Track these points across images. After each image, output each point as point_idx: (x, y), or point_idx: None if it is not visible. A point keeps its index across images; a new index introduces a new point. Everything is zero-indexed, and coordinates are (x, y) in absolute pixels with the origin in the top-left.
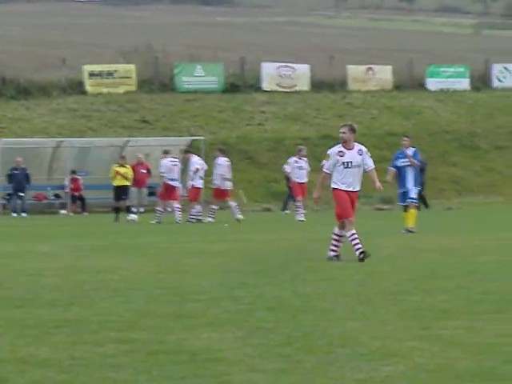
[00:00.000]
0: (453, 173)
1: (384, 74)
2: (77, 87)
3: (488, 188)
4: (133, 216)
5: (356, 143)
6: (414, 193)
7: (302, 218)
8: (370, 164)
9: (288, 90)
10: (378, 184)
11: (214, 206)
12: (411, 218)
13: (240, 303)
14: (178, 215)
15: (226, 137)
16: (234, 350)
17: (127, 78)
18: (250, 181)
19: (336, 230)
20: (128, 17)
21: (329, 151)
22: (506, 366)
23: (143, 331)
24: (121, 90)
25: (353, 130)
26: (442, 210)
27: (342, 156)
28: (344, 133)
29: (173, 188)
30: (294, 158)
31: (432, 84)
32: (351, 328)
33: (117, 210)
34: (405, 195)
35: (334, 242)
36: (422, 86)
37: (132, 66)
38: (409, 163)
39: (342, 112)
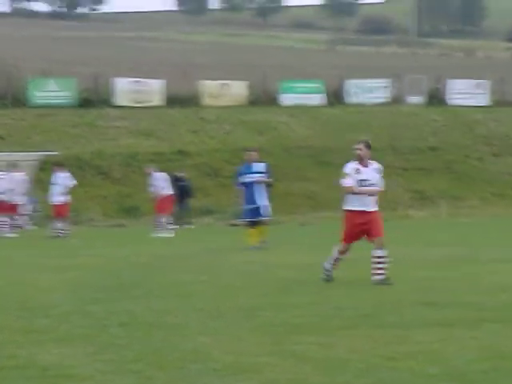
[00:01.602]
0: (307, 188)
1: (238, 90)
2: None
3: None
4: None
5: (371, 161)
6: (268, 209)
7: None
8: (381, 185)
9: (141, 105)
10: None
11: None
12: (264, 233)
13: (92, 319)
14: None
15: (79, 152)
16: (85, 365)
17: None
18: (104, 196)
19: (335, 253)
20: None
21: (345, 169)
22: (358, 381)
23: None
24: None
25: (369, 147)
26: (295, 225)
27: (358, 173)
28: (360, 149)
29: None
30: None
31: (286, 99)
32: (203, 343)
33: None
34: (255, 211)
35: (332, 262)
36: (276, 101)
37: None
38: (256, 179)
39: (196, 127)
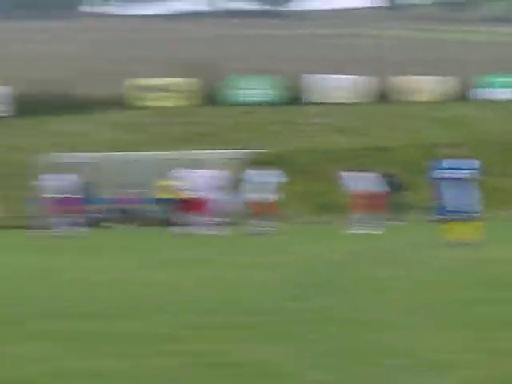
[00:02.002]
0: (508, 184)
1: (432, 85)
2: (132, 101)
3: None
4: (179, 229)
5: None
6: (475, 206)
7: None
8: None
9: (338, 102)
10: None
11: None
12: (475, 230)
13: (291, 315)
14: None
15: (279, 149)
16: (283, 362)
17: (183, 91)
18: (301, 193)
19: None
20: (179, 30)
21: None
22: None
23: (194, 344)
24: (175, 103)
25: None
26: (498, 221)
27: None
28: None
29: (200, 200)
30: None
31: (484, 94)
32: (398, 339)
33: (170, 224)
34: (448, 207)
35: None
36: (473, 96)
37: (188, 80)
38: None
39: (392, 123)
